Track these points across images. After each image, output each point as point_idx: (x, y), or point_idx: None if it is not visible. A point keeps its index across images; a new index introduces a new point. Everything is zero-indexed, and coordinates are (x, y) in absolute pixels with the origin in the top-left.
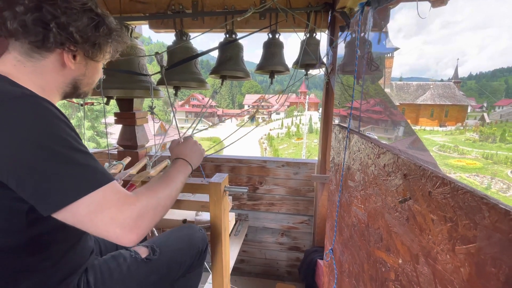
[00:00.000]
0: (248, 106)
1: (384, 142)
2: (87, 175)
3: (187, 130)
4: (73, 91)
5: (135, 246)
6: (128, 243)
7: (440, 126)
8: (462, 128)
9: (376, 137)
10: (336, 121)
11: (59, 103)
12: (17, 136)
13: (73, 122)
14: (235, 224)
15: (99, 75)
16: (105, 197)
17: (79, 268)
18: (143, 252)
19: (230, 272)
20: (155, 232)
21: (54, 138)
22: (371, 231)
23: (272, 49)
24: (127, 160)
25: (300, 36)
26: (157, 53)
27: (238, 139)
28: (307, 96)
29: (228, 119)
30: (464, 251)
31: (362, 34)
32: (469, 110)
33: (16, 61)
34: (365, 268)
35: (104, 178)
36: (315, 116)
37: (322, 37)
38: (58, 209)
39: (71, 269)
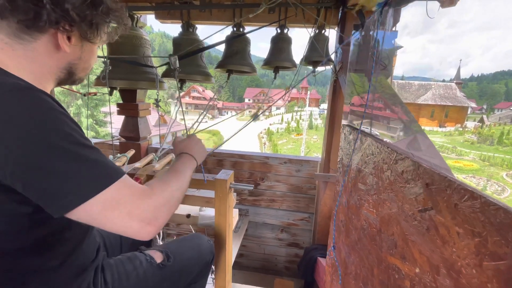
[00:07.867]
0: (249, 100)
1: (392, 143)
2: (99, 171)
3: (193, 124)
4: (67, 77)
5: (150, 250)
6: (147, 236)
7: (440, 126)
8: (461, 129)
9: (388, 140)
10: (345, 122)
11: (57, 89)
12: (19, 135)
13: (72, 110)
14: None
15: (95, 59)
16: (119, 192)
17: (89, 265)
18: (158, 257)
19: (231, 267)
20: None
21: (60, 134)
22: (383, 237)
23: (280, 45)
24: (131, 153)
25: (309, 32)
26: (170, 55)
27: (234, 132)
28: (308, 92)
29: (230, 113)
30: (492, 267)
31: (377, 34)
32: (469, 112)
33: (4, 44)
34: (374, 272)
35: (116, 173)
36: (316, 112)
37: (331, 34)
38: (70, 209)
39: (81, 266)
